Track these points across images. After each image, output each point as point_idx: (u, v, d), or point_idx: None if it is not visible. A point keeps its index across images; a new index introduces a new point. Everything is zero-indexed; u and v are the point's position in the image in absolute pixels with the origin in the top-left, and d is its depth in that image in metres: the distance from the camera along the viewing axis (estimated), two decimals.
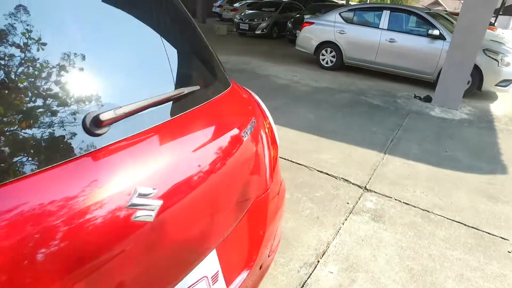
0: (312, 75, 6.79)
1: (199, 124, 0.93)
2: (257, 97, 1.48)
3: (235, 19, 12.84)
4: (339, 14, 7.16)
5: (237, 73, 6.49)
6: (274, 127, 1.40)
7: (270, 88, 5.64)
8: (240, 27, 12.43)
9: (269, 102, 5.02)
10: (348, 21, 7.05)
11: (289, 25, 11.28)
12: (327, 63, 7.42)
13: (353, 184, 2.80)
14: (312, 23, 7.55)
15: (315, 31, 7.46)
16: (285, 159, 3.14)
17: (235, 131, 1.03)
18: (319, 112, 4.58)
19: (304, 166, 3.04)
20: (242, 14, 12.85)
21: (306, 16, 9.30)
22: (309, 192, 2.63)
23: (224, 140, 0.97)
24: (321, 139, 3.67)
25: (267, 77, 6.34)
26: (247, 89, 1.55)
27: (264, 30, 12.17)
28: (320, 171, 2.97)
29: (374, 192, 2.71)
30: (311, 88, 5.81)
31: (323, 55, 7.45)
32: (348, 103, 5.10)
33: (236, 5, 19.31)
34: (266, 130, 1.30)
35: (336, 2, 16.37)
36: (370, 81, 6.70)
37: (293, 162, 3.10)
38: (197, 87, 0.95)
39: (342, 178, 2.88)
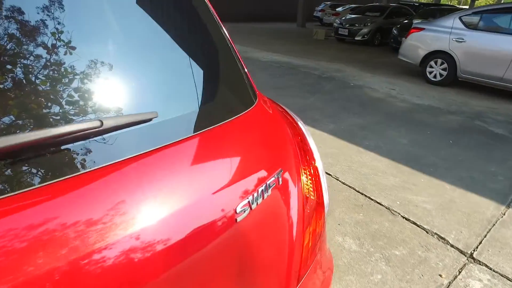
0: (413, 90, 5.78)
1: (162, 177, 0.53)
2: (303, 127, 1.00)
3: (335, 24, 12.15)
4: (459, 18, 5.92)
5: (325, 81, 5.93)
6: (324, 181, 0.90)
7: (360, 101, 4.93)
8: (339, 32, 11.69)
9: (354, 118, 4.41)
10: (470, 26, 5.77)
11: (395, 31, 10.08)
12: (434, 76, 6.25)
13: (452, 246, 2.04)
14: (422, 29, 6.44)
15: (424, 39, 6.35)
16: (360, 193, 2.53)
17: (228, 202, 0.59)
18: (417, 136, 3.73)
19: (385, 207, 2.38)
20: (343, 18, 12.08)
21: (415, 21, 8.11)
22: (386, 247, 2.00)
23: (199, 216, 0.55)
24: (415, 173, 2.90)
25: (359, 88, 5.62)
26: (290, 112, 1.08)
27: (365, 36, 11.18)
28: (406, 218, 2.27)
29: (486, 265, 1.91)
30: (411, 106, 4.88)
31: (431, 67, 6.30)
32: (458, 129, 4.08)
33: (339, 9, 18.53)
34: (307, 186, 0.82)
35: (456, 6, 14.17)
36: (491, 101, 5.36)
37: (371, 199, 2.47)
38: (155, 114, 0.55)
39: (436, 234, 2.14)
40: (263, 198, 0.64)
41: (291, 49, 9.30)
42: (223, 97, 0.73)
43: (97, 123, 0.48)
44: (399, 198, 2.51)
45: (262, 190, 0.64)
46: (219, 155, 0.63)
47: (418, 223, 2.23)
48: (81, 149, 0.49)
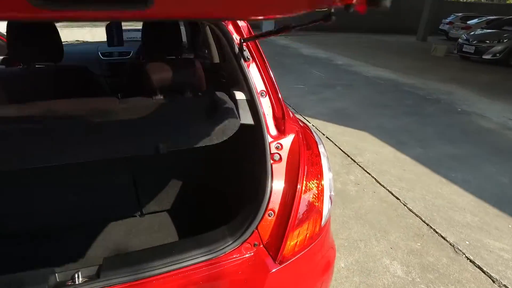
0: None
1: None
2: (321, 148, 1.19)
3: (459, 40, 10.87)
4: None
5: (428, 103, 5.54)
6: (327, 197, 1.09)
7: (462, 129, 4.49)
8: (463, 49, 10.41)
9: (448, 146, 4.09)
10: None
11: None
12: None
13: None
14: None
15: None
16: (425, 223, 2.45)
17: None
18: None
19: (450, 244, 2.27)
20: (471, 33, 10.72)
21: None
22: (435, 281, 1.95)
23: None
24: (503, 217, 2.61)
25: (466, 115, 5.08)
26: (313, 132, 1.28)
27: (498, 55, 9.69)
28: (471, 261, 2.14)
29: None
30: None
31: None
32: None
33: (472, 22, 16.36)
34: (314, 196, 1.04)
35: None
36: None
37: (436, 231, 2.37)
38: None
39: (505, 286, 1.96)
40: None
41: (401, 65, 8.81)
42: None
43: None
44: (470, 238, 2.34)
45: None
46: None
47: (484, 269, 2.08)
48: None
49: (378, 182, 3.04)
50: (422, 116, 4.92)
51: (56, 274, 0.81)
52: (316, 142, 1.16)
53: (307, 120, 4.50)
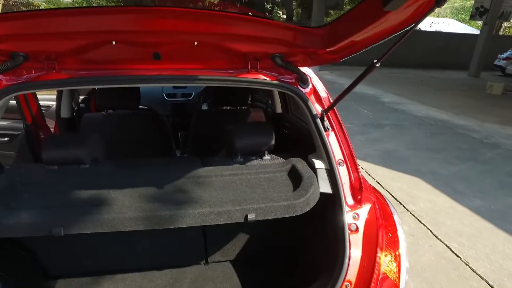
0: None
1: None
2: (396, 217, 1.22)
3: None
4: None
5: (485, 148, 5.24)
6: (404, 269, 1.10)
7: None
8: None
9: None
10: None
11: None
12: None
13: None
14: None
15: None
16: None
17: None
18: None
19: None
20: None
21: None
22: None
23: None
24: None
25: None
26: (388, 201, 1.31)
27: None
28: None
29: None
30: None
31: None
32: None
33: None
34: (389, 266, 1.07)
35: None
36: None
37: None
38: None
39: None
40: None
41: (453, 104, 8.48)
42: None
43: None
44: None
45: None
46: None
47: None
48: None
49: (434, 234, 2.90)
50: (480, 163, 4.67)
51: None
52: (392, 212, 1.19)
53: None
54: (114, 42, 1.02)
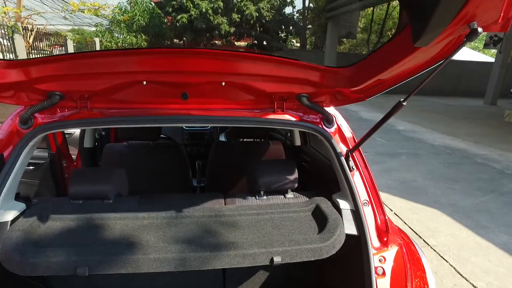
0: None
1: None
2: (424, 260, 1.18)
3: None
4: None
5: (507, 179, 5.07)
6: None
7: None
8: None
9: None
10: None
11: None
12: None
13: None
14: None
15: None
16: None
17: None
18: None
19: None
20: None
21: None
22: None
23: None
24: None
25: None
26: (416, 244, 1.27)
27: None
28: None
29: None
30: None
31: None
32: None
33: None
34: None
35: None
36: None
37: None
38: None
39: None
40: None
41: (471, 133, 8.33)
42: None
43: None
44: None
45: None
46: None
47: None
48: None
49: (458, 272, 2.77)
50: (502, 194, 4.51)
51: None
52: (420, 255, 1.15)
53: None
54: (145, 82, 1.06)
